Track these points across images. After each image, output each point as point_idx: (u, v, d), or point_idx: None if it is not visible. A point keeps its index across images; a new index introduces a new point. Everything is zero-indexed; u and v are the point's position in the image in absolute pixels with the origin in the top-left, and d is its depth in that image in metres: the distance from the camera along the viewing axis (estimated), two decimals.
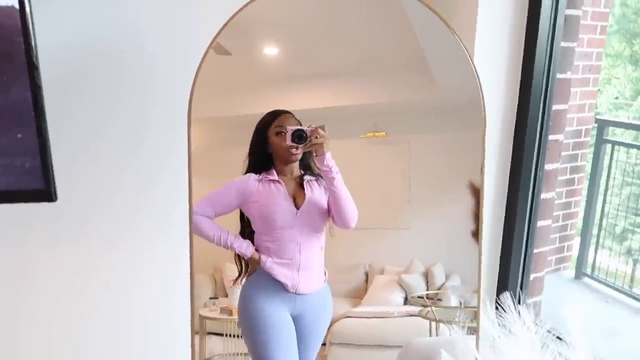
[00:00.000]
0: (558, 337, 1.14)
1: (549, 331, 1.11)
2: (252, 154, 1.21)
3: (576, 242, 3.37)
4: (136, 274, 1.49)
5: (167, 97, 1.37)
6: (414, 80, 1.28)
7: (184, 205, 1.17)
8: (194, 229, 1.18)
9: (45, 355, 1.46)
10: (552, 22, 1.38)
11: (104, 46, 1.32)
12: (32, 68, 0.75)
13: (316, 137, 1.13)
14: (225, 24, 1.11)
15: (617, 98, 5.54)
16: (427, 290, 1.34)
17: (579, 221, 3.35)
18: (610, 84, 5.55)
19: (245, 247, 1.20)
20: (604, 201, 3.31)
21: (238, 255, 1.22)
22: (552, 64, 1.40)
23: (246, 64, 1.27)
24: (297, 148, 1.16)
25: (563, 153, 3.04)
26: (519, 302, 1.13)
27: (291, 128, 1.14)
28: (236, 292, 1.25)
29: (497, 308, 1.12)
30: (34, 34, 0.75)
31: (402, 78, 1.28)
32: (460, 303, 1.33)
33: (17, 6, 0.71)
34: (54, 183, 0.81)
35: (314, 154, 1.15)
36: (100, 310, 1.49)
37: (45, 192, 0.81)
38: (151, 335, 1.54)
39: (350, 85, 1.30)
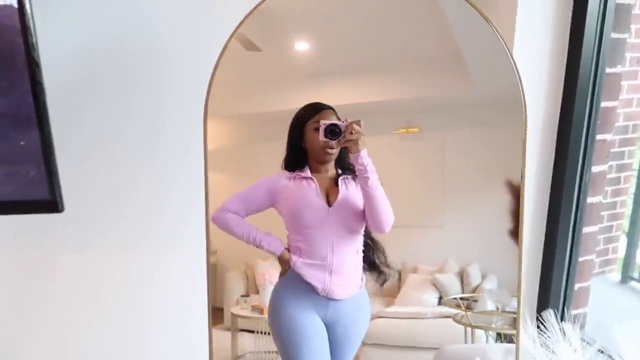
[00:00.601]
0: (609, 357, 1.06)
1: (600, 351, 1.03)
2: (288, 149, 1.18)
3: (622, 244, 3.23)
4: (153, 276, 1.48)
5: (185, 94, 1.35)
6: (448, 76, 1.25)
7: (201, 205, 1.15)
8: (223, 227, 1.16)
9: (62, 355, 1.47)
10: (601, 11, 1.30)
11: (114, 45, 1.30)
12: (33, 71, 0.71)
13: (351, 133, 1.07)
14: (246, 17, 1.09)
15: None
16: (462, 290, 1.30)
17: (625, 221, 3.21)
18: None
19: (275, 245, 1.17)
20: None
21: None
22: (600, 57, 1.32)
23: (277, 60, 1.26)
24: (331, 145, 1.12)
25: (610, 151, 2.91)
26: (562, 319, 1.05)
27: (324, 122, 1.09)
28: (268, 290, 1.24)
29: (538, 324, 1.06)
30: (34, 34, 0.71)
31: (436, 73, 1.25)
32: (497, 307, 1.28)
33: (15, 5, 0.67)
34: (60, 193, 0.77)
35: (349, 151, 1.10)
36: (117, 313, 1.49)
37: (50, 202, 0.77)
38: (168, 337, 1.53)
39: (383, 80, 1.27)
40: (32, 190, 0.75)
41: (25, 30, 0.68)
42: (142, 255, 1.46)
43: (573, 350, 1.00)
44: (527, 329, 1.07)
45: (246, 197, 1.17)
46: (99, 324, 1.48)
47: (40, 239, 1.36)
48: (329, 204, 1.14)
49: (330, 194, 1.15)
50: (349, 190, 1.15)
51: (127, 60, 1.31)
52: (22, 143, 0.74)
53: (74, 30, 1.25)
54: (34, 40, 0.69)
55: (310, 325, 1.16)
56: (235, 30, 1.09)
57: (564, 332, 1.01)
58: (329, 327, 1.18)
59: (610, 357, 1.04)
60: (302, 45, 1.25)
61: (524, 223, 1.17)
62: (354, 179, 1.15)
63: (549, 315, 1.03)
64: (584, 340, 1.02)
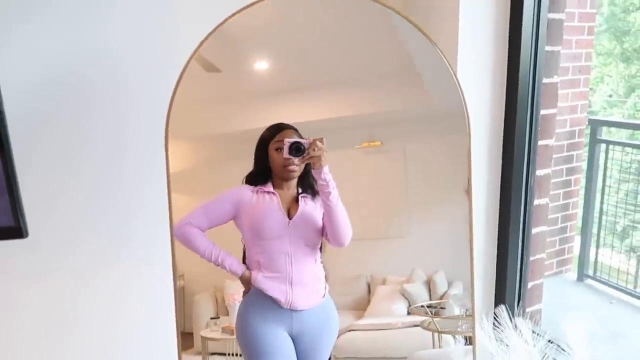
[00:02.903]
0: (559, 347, 1.12)
1: (549, 341, 1.08)
2: (254, 167, 1.19)
3: (576, 244, 3.35)
4: (122, 302, 1.47)
5: (145, 117, 1.36)
6: (406, 90, 1.27)
7: (166, 228, 1.15)
8: (185, 241, 1.16)
9: None
10: (534, 27, 1.38)
11: (71, 72, 1.30)
12: None
13: (314, 150, 1.10)
14: (205, 39, 1.10)
15: (610, 96, 5.57)
16: (430, 298, 1.32)
17: (578, 222, 3.33)
18: (603, 82, 5.58)
19: (237, 266, 1.17)
20: (602, 200, 3.30)
21: None
22: (537, 69, 1.39)
23: (237, 80, 1.26)
24: (292, 162, 1.14)
25: (557, 155, 3.04)
26: (515, 314, 1.11)
27: (289, 140, 1.12)
28: (236, 311, 1.22)
29: (494, 321, 1.11)
30: None
31: (394, 88, 1.28)
32: (463, 312, 1.30)
33: None
34: (24, 219, 0.79)
35: (312, 167, 1.13)
36: (86, 341, 1.47)
37: (15, 228, 0.78)
38: None
39: (344, 96, 1.29)
40: None
41: None
42: (108, 280, 1.45)
43: (524, 341, 1.05)
44: (482, 326, 1.11)
45: (210, 209, 1.18)
46: (68, 352, 1.45)
47: (4, 267, 1.34)
48: (289, 217, 1.16)
49: (291, 208, 1.17)
50: (307, 206, 1.17)
51: (85, 85, 1.32)
52: None
53: (31, 59, 1.25)
54: None
55: (275, 340, 1.16)
56: (194, 53, 1.11)
57: (516, 326, 1.05)
58: (296, 340, 1.18)
59: (558, 346, 1.10)
60: (261, 64, 1.26)
61: (473, 228, 1.22)
62: (312, 198, 1.18)
63: (502, 311, 1.07)
64: (536, 333, 1.06)
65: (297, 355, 1.19)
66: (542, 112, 1.46)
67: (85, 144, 1.36)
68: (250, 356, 1.18)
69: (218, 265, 1.17)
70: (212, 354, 1.32)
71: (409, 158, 1.29)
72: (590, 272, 3.29)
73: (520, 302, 1.51)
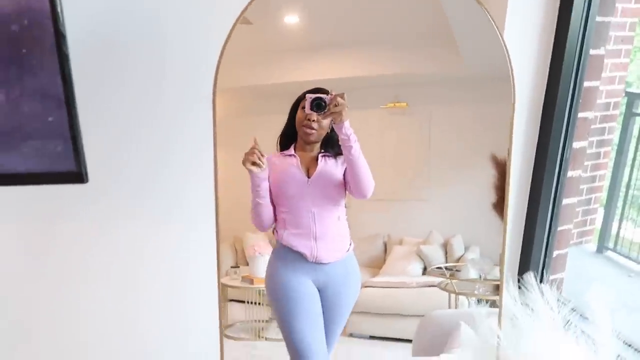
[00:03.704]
0: (581, 316, 1.14)
1: (572, 309, 1.11)
2: (284, 127, 1.23)
3: (599, 216, 3.32)
4: (162, 244, 1.54)
5: (190, 72, 1.39)
6: (437, 52, 1.26)
7: (208, 174, 1.20)
8: (257, 224, 1.23)
9: (74, 315, 1.54)
10: None
11: (125, 29, 1.33)
12: (61, 50, 0.76)
13: (335, 105, 1.12)
14: (249, 4, 1.11)
15: None
16: (446, 261, 1.34)
17: (603, 194, 3.29)
18: None
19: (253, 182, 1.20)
20: (630, 174, 3.24)
21: None
22: (585, 40, 1.36)
23: (266, 33, 1.26)
24: (311, 119, 1.17)
25: (591, 127, 2.97)
26: (542, 281, 1.13)
27: (310, 96, 1.14)
28: (257, 261, 1.30)
29: (519, 286, 1.12)
30: (62, 15, 0.75)
31: (424, 49, 1.26)
32: (480, 276, 1.33)
33: None
34: (85, 165, 0.83)
35: (333, 122, 1.15)
36: (128, 281, 1.55)
37: (76, 173, 0.83)
38: (179, 304, 1.60)
39: (372, 55, 1.28)
40: (59, 163, 0.81)
41: (54, 12, 0.72)
42: (153, 229, 1.52)
43: (550, 308, 1.07)
44: (509, 289, 1.13)
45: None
46: (111, 291, 1.54)
47: (68, 209, 1.42)
48: (309, 176, 1.20)
49: (310, 168, 1.21)
50: (327, 165, 1.20)
51: (135, 45, 1.35)
52: (50, 119, 0.79)
53: (89, 15, 1.28)
54: (63, 22, 0.74)
55: (303, 288, 1.22)
56: (240, 15, 1.12)
57: (542, 293, 1.07)
58: (321, 291, 1.24)
59: (581, 315, 1.12)
60: (291, 18, 1.26)
61: (509, 194, 1.21)
62: (334, 157, 1.21)
63: (529, 277, 1.09)
64: (560, 301, 1.09)
65: (322, 308, 1.25)
66: (586, 84, 1.43)
67: (136, 99, 1.41)
68: (279, 306, 1.25)
69: (259, 202, 1.20)
70: (231, 300, 1.38)
71: (434, 121, 1.29)
72: (611, 245, 3.28)
73: (545, 269, 1.53)
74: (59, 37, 0.76)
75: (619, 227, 3.28)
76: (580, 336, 1.06)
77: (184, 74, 1.39)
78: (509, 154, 1.18)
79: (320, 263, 1.22)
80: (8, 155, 0.80)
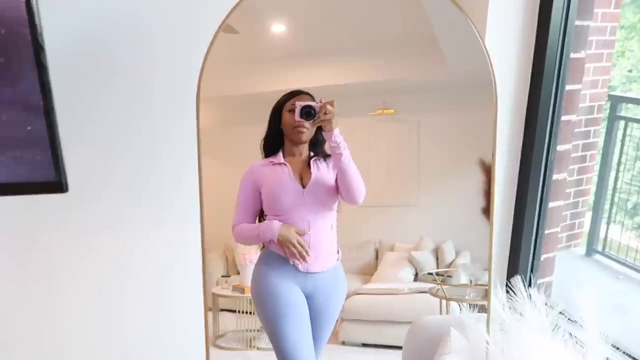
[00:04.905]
0: (569, 319, 1.14)
1: (560, 313, 1.11)
2: (267, 130, 1.22)
3: (587, 219, 3.35)
4: (147, 253, 1.52)
5: (175, 80, 1.38)
6: (423, 59, 1.27)
7: (193, 182, 1.19)
8: (242, 240, 1.23)
9: (59, 327, 1.51)
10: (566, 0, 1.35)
11: (107, 38, 1.33)
12: (39, 60, 0.75)
13: (325, 113, 1.12)
14: (233, 9, 1.11)
15: (630, 71, 5.43)
16: (437, 266, 1.34)
17: (590, 198, 3.32)
18: (624, 56, 5.43)
19: (266, 233, 1.20)
20: (616, 177, 3.28)
21: None
22: (565, 43, 1.37)
23: (253, 42, 1.27)
24: (303, 124, 1.16)
25: (575, 131, 3.00)
26: (530, 285, 1.13)
27: (300, 104, 1.14)
28: (248, 270, 1.27)
29: (507, 290, 1.12)
30: (40, 24, 0.74)
31: (411, 56, 1.27)
32: (471, 281, 1.33)
33: None
34: (65, 174, 0.82)
35: (322, 130, 1.15)
36: (112, 291, 1.53)
37: (56, 183, 0.81)
38: (165, 315, 1.58)
39: (360, 63, 1.29)
40: (39, 173, 0.80)
41: (32, 21, 0.72)
42: (136, 236, 1.50)
43: (538, 311, 1.07)
44: (497, 294, 1.13)
45: (242, 201, 1.22)
46: (93, 301, 1.52)
47: (37, 223, 1.40)
48: (303, 185, 1.19)
49: (303, 175, 1.20)
50: (320, 170, 1.20)
51: (117, 51, 1.35)
52: (28, 128, 0.78)
53: (64, 26, 1.27)
54: (40, 30, 0.73)
55: (292, 298, 1.21)
56: (223, 22, 1.11)
57: (530, 296, 1.08)
58: (309, 300, 1.23)
59: (569, 318, 1.12)
60: (279, 27, 1.26)
61: (494, 198, 1.22)
62: (324, 159, 1.20)
63: (517, 281, 1.09)
64: (548, 305, 1.09)
65: (310, 315, 1.24)
66: (568, 87, 1.45)
67: (117, 107, 1.40)
68: (267, 312, 1.23)
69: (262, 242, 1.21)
70: (222, 310, 1.37)
71: (422, 127, 1.30)
72: (599, 248, 3.30)
73: (533, 273, 1.53)
74: (37, 47, 0.75)
75: (607, 230, 3.30)
76: (568, 339, 1.06)
77: (168, 81, 1.39)
78: (493, 156, 1.19)
79: (311, 272, 1.21)
80: None
